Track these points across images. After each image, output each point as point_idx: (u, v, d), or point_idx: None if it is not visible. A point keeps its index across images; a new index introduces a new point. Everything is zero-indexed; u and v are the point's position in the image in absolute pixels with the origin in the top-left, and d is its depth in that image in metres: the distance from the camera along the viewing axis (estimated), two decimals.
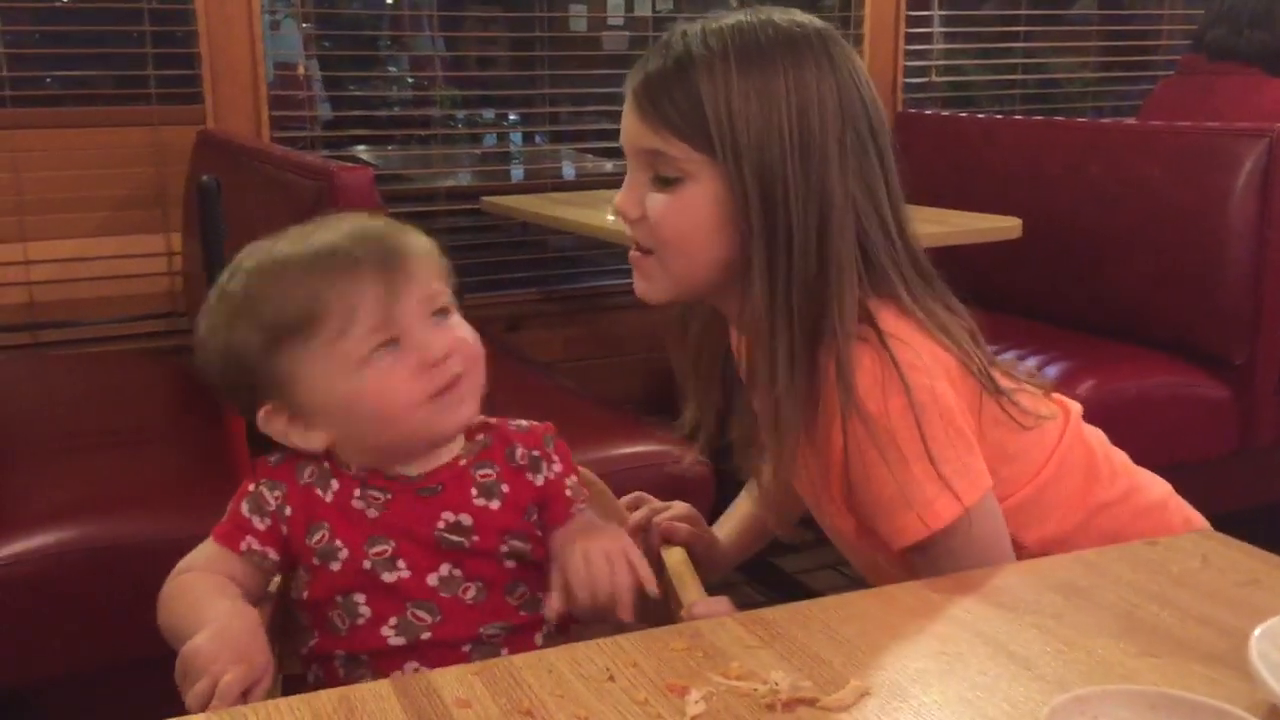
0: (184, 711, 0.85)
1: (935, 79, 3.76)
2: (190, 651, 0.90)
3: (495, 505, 1.04)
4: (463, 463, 1.05)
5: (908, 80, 3.61)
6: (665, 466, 1.96)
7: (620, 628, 0.96)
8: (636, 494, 1.25)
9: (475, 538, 1.02)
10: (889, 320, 1.06)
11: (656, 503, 1.25)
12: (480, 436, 1.08)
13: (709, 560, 1.26)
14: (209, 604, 0.97)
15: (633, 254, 1.13)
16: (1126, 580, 0.97)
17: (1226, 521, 1.17)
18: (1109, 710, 0.73)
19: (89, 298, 2.72)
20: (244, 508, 1.02)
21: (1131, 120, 3.41)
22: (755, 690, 0.80)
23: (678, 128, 1.06)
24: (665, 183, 1.08)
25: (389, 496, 1.02)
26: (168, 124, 2.74)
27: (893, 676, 0.82)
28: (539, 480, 1.07)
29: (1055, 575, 0.99)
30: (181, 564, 1.03)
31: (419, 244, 1.03)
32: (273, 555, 1.02)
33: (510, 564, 1.03)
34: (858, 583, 1.02)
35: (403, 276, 0.99)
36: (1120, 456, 1.24)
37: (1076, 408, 1.22)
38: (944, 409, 1.05)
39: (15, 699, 1.70)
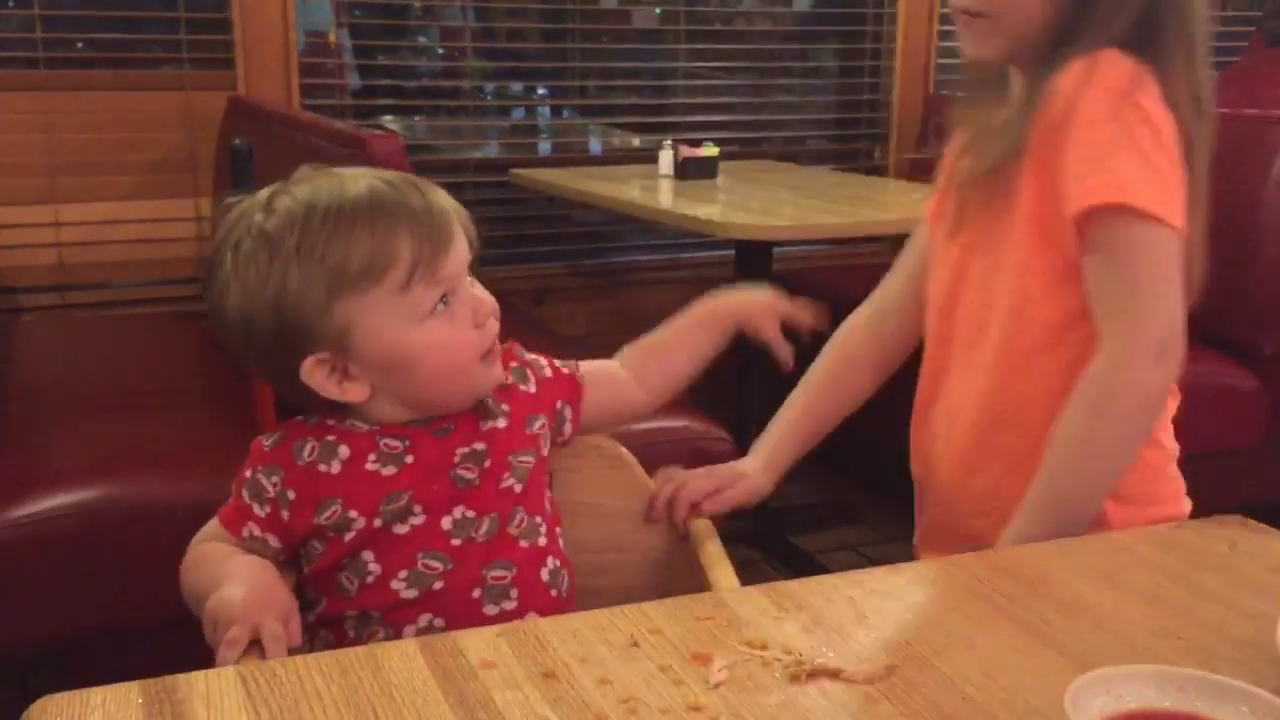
0: (212, 667, 0.85)
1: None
2: (220, 601, 0.92)
3: (502, 425, 1.06)
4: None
5: (941, 62, 3.58)
6: (689, 441, 1.96)
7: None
8: (667, 468, 1.25)
9: (487, 463, 1.04)
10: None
11: (681, 474, 1.25)
12: None
13: (744, 494, 1.25)
14: (229, 562, 0.99)
15: (962, 18, 1.17)
16: (1155, 562, 0.97)
17: (1255, 514, 1.17)
18: (1134, 689, 0.73)
19: (118, 260, 2.75)
20: (244, 494, 1.02)
21: None
22: (779, 660, 0.80)
23: None
24: None
25: (407, 443, 1.02)
26: (199, 89, 2.75)
27: (917, 650, 0.82)
28: (531, 388, 1.11)
29: (1082, 555, 0.99)
30: (197, 537, 1.04)
31: (452, 203, 1.04)
32: (273, 542, 1.02)
33: (518, 488, 1.05)
34: (875, 563, 1.02)
35: (451, 234, 1.01)
36: None
37: None
38: (1167, 137, 1.09)
39: (45, 654, 1.72)
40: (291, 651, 0.90)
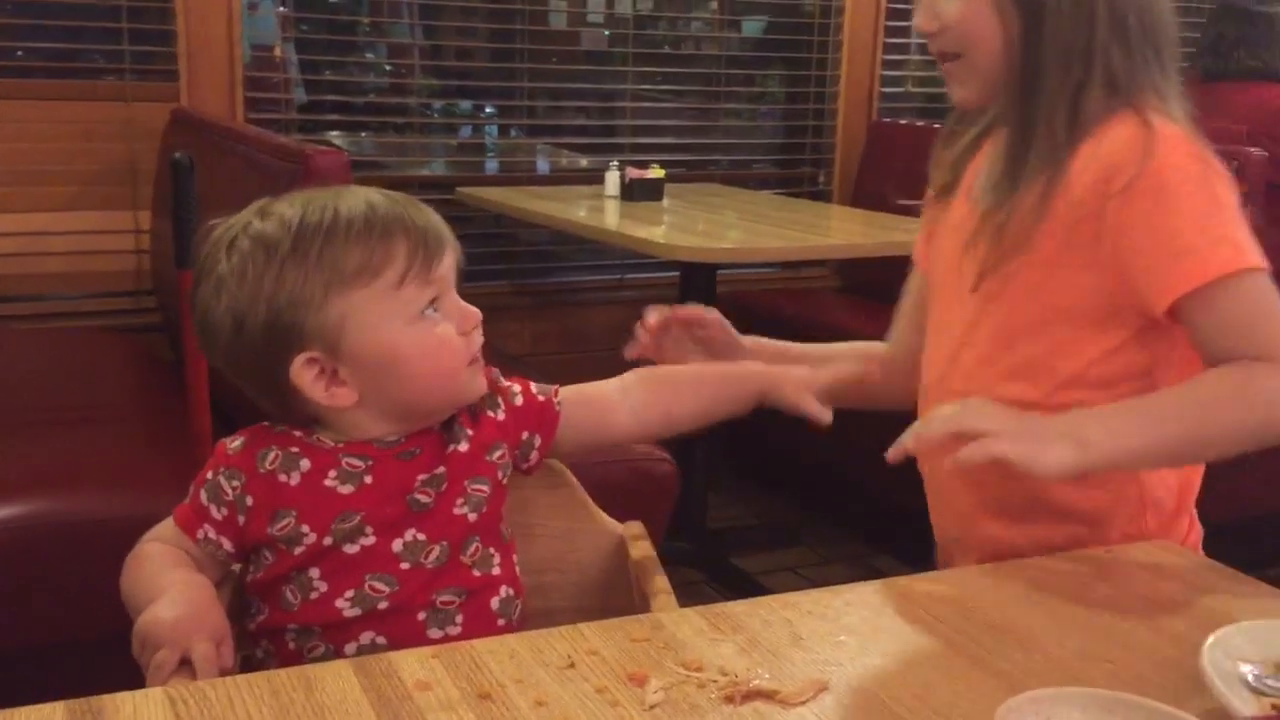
0: (141, 687, 0.84)
1: (912, 89, 3.79)
2: (151, 620, 0.90)
3: (464, 448, 1.05)
4: (435, 426, 1.06)
5: (884, 90, 3.64)
6: (630, 462, 1.96)
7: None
8: (656, 306, 1.26)
9: (444, 486, 1.03)
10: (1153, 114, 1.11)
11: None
12: None
13: (727, 353, 1.28)
14: (166, 574, 0.97)
15: (944, 65, 1.20)
16: (1084, 586, 0.99)
17: (1209, 534, 1.20)
18: (1063, 711, 0.74)
19: (55, 273, 2.70)
20: (202, 496, 1.01)
21: None
22: (714, 681, 0.80)
23: None
24: None
25: (369, 463, 1.02)
26: (141, 100, 2.72)
27: (850, 672, 0.83)
28: (500, 415, 1.09)
29: (1014, 579, 1.00)
30: (147, 535, 1.03)
31: (438, 218, 1.06)
32: (226, 546, 1.01)
33: (472, 516, 1.04)
34: (814, 584, 1.03)
35: (444, 241, 1.03)
36: None
37: None
38: (1219, 177, 1.09)
39: None
40: (226, 671, 0.89)
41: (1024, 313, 1.16)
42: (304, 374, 0.99)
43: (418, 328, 1.00)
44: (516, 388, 1.13)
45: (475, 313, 1.05)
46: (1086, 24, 1.12)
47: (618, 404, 1.16)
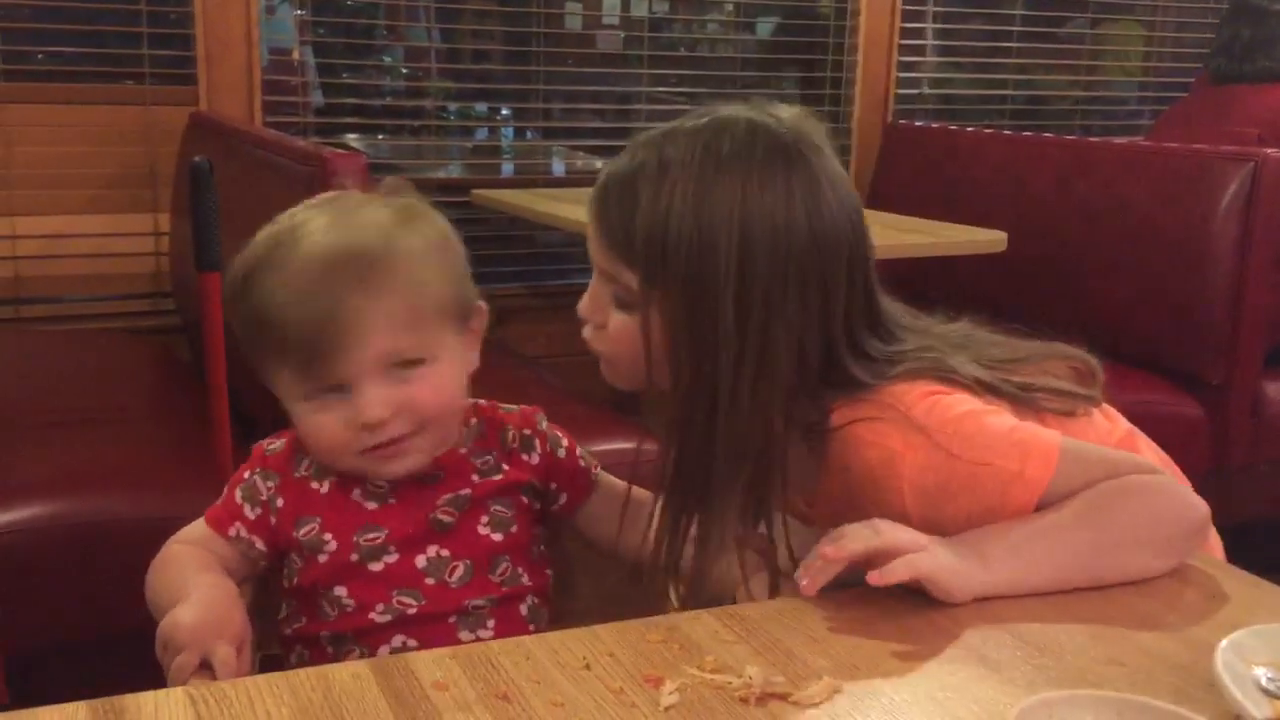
0: (162, 686, 0.85)
1: (927, 91, 3.78)
2: (171, 624, 0.91)
3: (496, 478, 1.07)
4: (463, 450, 1.07)
5: (899, 92, 3.63)
6: (646, 464, 1.97)
7: None
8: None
9: (468, 507, 1.04)
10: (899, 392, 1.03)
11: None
12: (473, 421, 1.10)
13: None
14: (191, 576, 0.99)
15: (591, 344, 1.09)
16: (1098, 590, 0.98)
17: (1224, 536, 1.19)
18: (1075, 714, 0.74)
19: (74, 275, 2.72)
20: (237, 494, 1.04)
21: (1119, 139, 3.45)
22: (729, 683, 0.81)
23: (625, 255, 1.01)
24: (624, 305, 1.04)
25: (394, 483, 1.03)
26: (160, 104, 2.73)
27: (865, 674, 0.83)
28: (534, 459, 1.10)
29: None
30: (174, 537, 1.05)
31: (409, 274, 0.98)
32: (259, 545, 1.03)
33: (497, 536, 1.05)
34: (828, 586, 1.03)
35: (370, 322, 0.96)
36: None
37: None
38: (971, 406, 1.02)
39: None
40: (245, 674, 0.90)
41: None
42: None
43: (303, 408, 1.00)
44: (564, 441, 1.13)
45: (371, 415, 0.97)
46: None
47: (640, 525, 1.11)
